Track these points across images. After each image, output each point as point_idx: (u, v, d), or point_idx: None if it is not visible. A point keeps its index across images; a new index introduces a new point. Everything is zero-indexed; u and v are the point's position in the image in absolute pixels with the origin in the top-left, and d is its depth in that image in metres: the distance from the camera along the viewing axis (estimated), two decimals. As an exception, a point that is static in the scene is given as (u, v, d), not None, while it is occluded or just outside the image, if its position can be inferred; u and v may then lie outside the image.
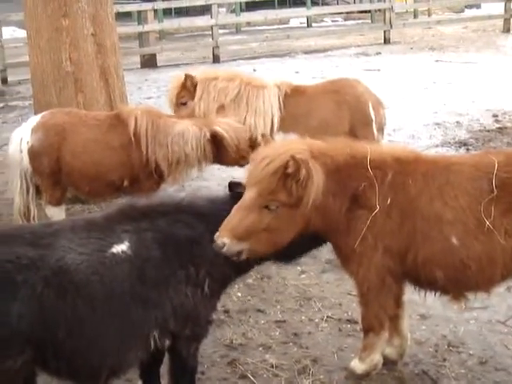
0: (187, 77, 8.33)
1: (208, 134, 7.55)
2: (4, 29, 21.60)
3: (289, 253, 5.11)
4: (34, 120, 7.89)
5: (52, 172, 7.68)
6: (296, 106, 8.43)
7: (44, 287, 4.07)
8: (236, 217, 4.71)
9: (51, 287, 4.09)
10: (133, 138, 7.61)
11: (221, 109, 8.20)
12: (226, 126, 7.66)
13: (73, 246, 4.27)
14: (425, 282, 5.14)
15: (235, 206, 4.75)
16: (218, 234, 4.65)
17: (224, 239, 4.65)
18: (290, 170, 4.70)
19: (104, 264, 4.28)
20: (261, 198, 4.74)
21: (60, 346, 4.14)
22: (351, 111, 8.36)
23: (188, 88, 8.33)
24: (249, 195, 4.76)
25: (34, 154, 7.65)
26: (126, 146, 7.66)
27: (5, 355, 4.00)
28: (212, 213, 4.79)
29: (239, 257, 4.77)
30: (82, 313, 4.18)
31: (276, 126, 8.34)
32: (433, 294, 5.30)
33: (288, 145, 4.99)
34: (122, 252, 4.37)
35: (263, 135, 8.25)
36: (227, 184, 5.05)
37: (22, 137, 7.72)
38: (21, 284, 4.03)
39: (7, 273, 4.03)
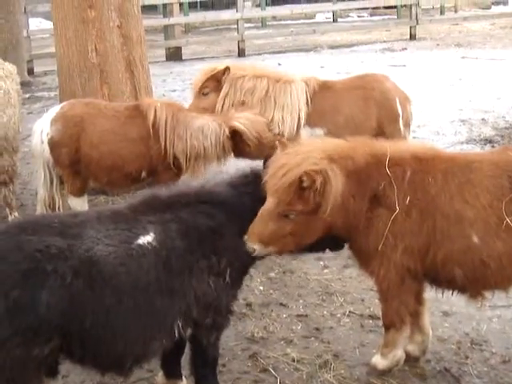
0: (226, 69, 8.28)
1: (227, 130, 7.55)
2: (30, 20, 21.69)
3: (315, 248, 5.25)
4: (54, 111, 7.92)
5: (71, 163, 7.71)
6: (323, 101, 8.40)
7: (73, 277, 4.10)
8: (260, 223, 4.79)
9: (80, 277, 4.12)
10: (151, 130, 7.62)
11: (241, 105, 8.16)
12: (245, 120, 7.65)
13: (100, 237, 4.30)
14: (443, 281, 5.11)
15: (259, 212, 4.80)
16: (246, 237, 4.77)
17: (253, 245, 4.78)
18: (304, 185, 4.73)
19: (131, 255, 4.32)
20: (279, 207, 4.80)
21: (86, 334, 4.18)
22: (378, 107, 8.33)
23: (219, 79, 8.28)
24: (269, 203, 4.81)
25: (53, 145, 7.69)
26: (145, 138, 7.68)
27: (33, 343, 4.03)
28: (233, 200, 4.83)
29: (268, 255, 4.99)
30: (110, 303, 4.21)
31: (303, 121, 8.32)
32: (450, 292, 5.27)
33: (305, 152, 4.95)
34: (148, 243, 4.40)
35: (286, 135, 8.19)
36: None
37: (43, 128, 7.77)
38: (50, 273, 4.06)
39: (37, 262, 4.06)
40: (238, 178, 5.06)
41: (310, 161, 4.81)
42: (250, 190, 4.89)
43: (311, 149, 5.05)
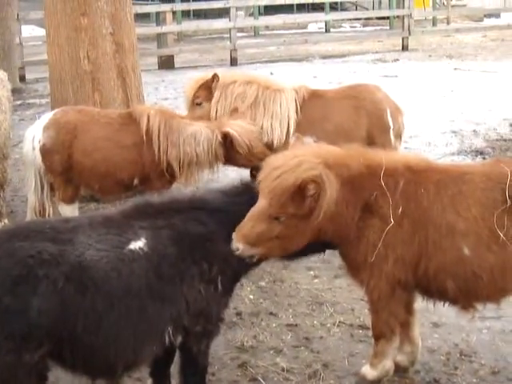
0: (215, 76, 8.30)
1: (219, 136, 7.54)
2: (23, 27, 21.67)
3: (298, 254, 5.19)
4: (46, 118, 7.92)
5: (63, 170, 7.70)
6: (313, 110, 8.39)
7: (65, 283, 4.11)
8: (249, 223, 4.76)
9: (71, 283, 4.14)
10: (144, 137, 7.62)
11: (234, 111, 8.17)
12: (238, 127, 7.64)
13: (92, 243, 4.31)
14: (435, 292, 5.12)
15: (249, 212, 4.78)
16: (233, 235, 4.72)
17: (238, 244, 4.73)
18: (305, 193, 4.71)
19: (122, 260, 4.33)
20: (271, 209, 4.77)
21: (77, 340, 4.19)
22: (369, 117, 8.32)
23: (209, 88, 8.30)
24: (260, 204, 4.79)
25: (45, 152, 7.67)
26: (138, 145, 7.68)
27: (24, 349, 4.03)
28: (225, 207, 4.84)
29: (252, 259, 4.87)
30: (101, 309, 4.22)
31: (292, 129, 8.30)
32: (442, 303, 5.28)
33: (301, 156, 4.93)
34: (140, 249, 4.42)
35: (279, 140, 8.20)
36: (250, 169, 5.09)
37: (35, 135, 7.75)
38: (42, 279, 4.06)
39: (29, 267, 4.06)
40: (230, 187, 5.07)
41: (306, 165, 4.78)
42: (241, 199, 4.89)
43: (307, 153, 5.03)
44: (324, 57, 23.88)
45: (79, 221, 4.62)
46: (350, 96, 8.49)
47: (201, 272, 4.59)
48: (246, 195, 4.90)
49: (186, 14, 32.00)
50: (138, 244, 4.42)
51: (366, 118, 8.31)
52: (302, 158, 4.89)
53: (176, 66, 22.48)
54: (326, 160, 4.90)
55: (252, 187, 4.91)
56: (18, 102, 16.44)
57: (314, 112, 8.37)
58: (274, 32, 31.64)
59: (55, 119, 7.80)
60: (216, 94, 8.29)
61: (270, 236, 4.81)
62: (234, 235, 4.73)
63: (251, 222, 4.76)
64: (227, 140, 7.53)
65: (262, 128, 8.16)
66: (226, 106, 8.25)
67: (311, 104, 8.41)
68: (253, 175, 5.03)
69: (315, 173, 4.75)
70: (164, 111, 8.02)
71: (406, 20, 25.41)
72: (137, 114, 7.79)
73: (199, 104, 8.39)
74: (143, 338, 4.41)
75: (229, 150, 7.61)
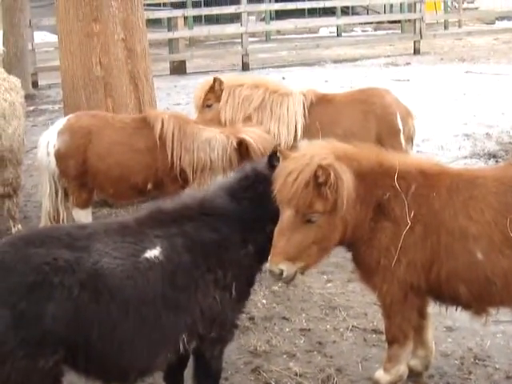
0: (216, 80, 8.33)
1: (234, 143, 7.54)
2: (35, 33, 21.75)
3: None
4: (61, 123, 7.93)
5: (78, 174, 7.71)
6: (322, 114, 8.36)
7: (80, 290, 4.12)
8: (283, 240, 4.69)
9: (87, 290, 4.14)
10: (158, 142, 7.62)
11: (247, 118, 8.17)
12: (253, 134, 7.63)
13: (108, 250, 4.31)
14: (448, 297, 5.09)
15: (277, 230, 4.72)
16: (269, 262, 4.68)
17: (280, 265, 4.69)
18: (321, 180, 4.66)
19: (138, 269, 4.33)
20: (299, 213, 4.71)
21: (92, 347, 4.19)
22: (378, 121, 8.28)
23: (215, 91, 8.33)
24: (286, 215, 4.71)
25: (60, 157, 7.69)
26: (152, 150, 7.67)
27: (38, 355, 4.04)
28: (233, 209, 4.79)
29: (294, 277, 4.83)
30: (116, 316, 4.23)
31: (300, 133, 8.29)
32: (455, 308, 5.26)
33: (311, 151, 4.91)
34: (155, 257, 4.41)
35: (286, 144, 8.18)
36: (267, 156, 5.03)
37: (49, 140, 7.77)
38: (57, 286, 4.07)
39: (44, 274, 4.07)
40: (238, 181, 5.00)
41: (317, 157, 4.75)
42: (249, 193, 4.84)
43: (316, 148, 5.01)
44: (336, 61, 23.88)
45: (95, 228, 4.61)
46: (359, 100, 8.46)
47: (215, 279, 4.57)
48: (253, 188, 4.85)
49: (197, 20, 32.06)
50: (153, 252, 4.42)
51: (375, 122, 8.28)
52: (312, 153, 4.85)
53: (188, 71, 22.53)
54: (335, 153, 4.88)
55: (260, 173, 4.88)
56: (31, 108, 16.48)
57: (323, 116, 8.33)
58: (286, 37, 31.66)
59: (70, 124, 7.82)
60: (224, 96, 8.30)
61: (307, 243, 4.75)
62: (268, 263, 4.68)
63: (283, 237, 4.69)
64: (242, 146, 7.53)
65: (268, 132, 8.15)
66: (234, 108, 8.27)
67: (319, 108, 8.38)
68: (271, 165, 4.92)
69: (327, 161, 4.71)
70: (178, 116, 8.03)
71: (417, 23, 25.41)
72: (151, 118, 7.80)
73: (209, 106, 8.41)
74: (157, 345, 4.42)
75: (243, 157, 7.59)
